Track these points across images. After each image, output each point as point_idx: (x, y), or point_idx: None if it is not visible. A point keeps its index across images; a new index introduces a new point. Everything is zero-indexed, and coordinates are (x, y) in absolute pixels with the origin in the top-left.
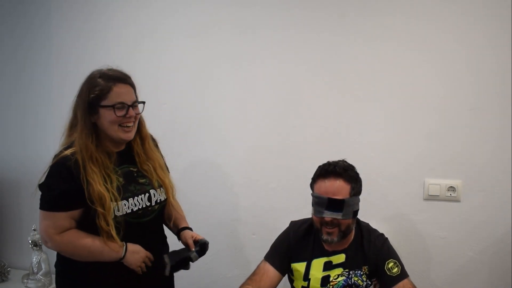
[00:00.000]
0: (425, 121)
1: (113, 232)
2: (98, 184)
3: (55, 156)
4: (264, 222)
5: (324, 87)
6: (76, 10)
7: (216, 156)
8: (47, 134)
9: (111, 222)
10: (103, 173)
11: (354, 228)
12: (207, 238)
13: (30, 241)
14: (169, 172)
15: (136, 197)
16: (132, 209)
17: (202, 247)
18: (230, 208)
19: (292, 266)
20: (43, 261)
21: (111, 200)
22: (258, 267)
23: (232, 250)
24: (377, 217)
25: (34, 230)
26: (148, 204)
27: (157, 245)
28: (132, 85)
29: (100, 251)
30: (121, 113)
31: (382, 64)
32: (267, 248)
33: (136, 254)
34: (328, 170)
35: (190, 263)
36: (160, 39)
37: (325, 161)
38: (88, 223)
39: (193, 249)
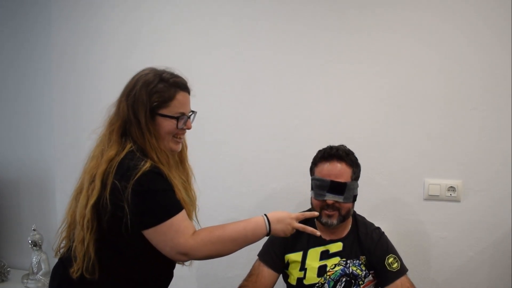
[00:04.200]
0: (426, 121)
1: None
2: (179, 192)
3: (133, 171)
4: None
5: (324, 87)
6: (78, 11)
7: (216, 156)
8: (47, 134)
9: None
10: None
11: (351, 216)
12: None
13: (30, 241)
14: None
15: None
16: None
17: None
18: (230, 208)
19: (288, 258)
20: (42, 261)
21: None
22: (253, 266)
23: None
24: (377, 217)
25: (34, 230)
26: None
27: None
28: (189, 93)
29: (244, 234)
30: (182, 124)
31: (382, 65)
32: None
33: (280, 223)
34: (331, 153)
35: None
36: (162, 41)
37: None
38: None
39: None
